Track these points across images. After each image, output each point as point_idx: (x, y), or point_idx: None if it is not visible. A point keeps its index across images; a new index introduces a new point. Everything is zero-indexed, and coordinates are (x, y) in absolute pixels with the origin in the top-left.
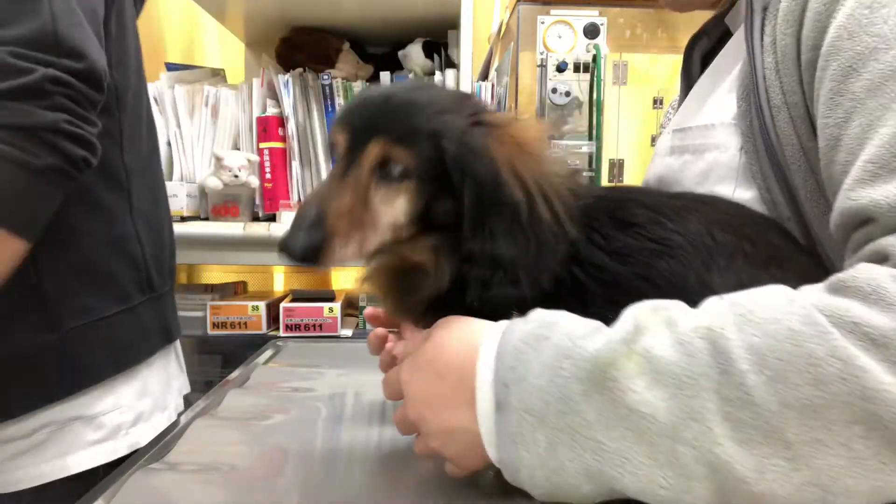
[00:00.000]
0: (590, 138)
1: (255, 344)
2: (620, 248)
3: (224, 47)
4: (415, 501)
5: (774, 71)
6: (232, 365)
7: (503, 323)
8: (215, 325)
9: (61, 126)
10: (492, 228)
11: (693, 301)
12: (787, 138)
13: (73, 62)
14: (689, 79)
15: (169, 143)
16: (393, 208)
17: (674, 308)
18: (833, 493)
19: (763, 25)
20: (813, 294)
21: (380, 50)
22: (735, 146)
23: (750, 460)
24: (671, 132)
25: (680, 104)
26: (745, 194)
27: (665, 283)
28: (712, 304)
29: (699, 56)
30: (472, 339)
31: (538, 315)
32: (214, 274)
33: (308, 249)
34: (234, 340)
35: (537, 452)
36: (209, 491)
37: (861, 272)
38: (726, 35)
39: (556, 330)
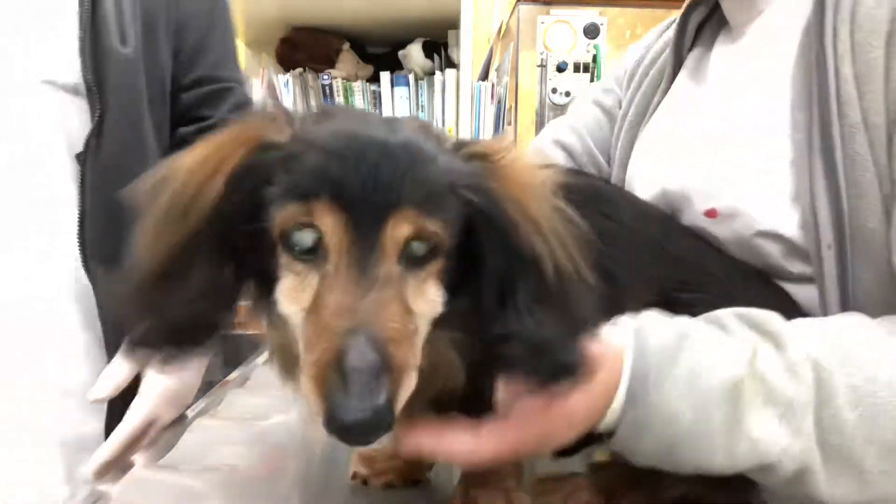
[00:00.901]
0: None
1: (255, 344)
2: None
3: None
4: (415, 501)
5: (853, 85)
6: (232, 365)
7: (629, 331)
8: None
9: None
10: (521, 296)
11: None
12: (862, 162)
13: None
14: (680, 50)
15: None
16: (430, 301)
17: (781, 330)
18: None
19: (836, 27)
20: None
21: (380, 50)
22: (786, 161)
23: (829, 474)
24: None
25: (673, 78)
26: (793, 214)
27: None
28: (810, 332)
29: (695, 26)
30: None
31: (667, 328)
32: None
33: (385, 417)
34: (234, 340)
35: (658, 446)
36: (209, 491)
37: None
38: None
39: (688, 345)
